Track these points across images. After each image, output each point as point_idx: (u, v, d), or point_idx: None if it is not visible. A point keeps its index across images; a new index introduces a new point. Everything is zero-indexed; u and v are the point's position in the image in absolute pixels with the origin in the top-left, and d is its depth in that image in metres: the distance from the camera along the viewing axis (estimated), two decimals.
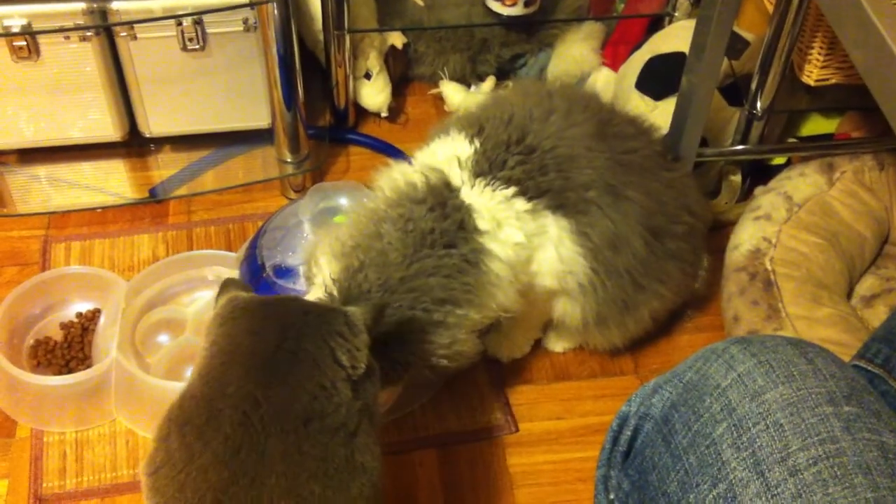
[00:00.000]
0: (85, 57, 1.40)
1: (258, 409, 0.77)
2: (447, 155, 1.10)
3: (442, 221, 1.05)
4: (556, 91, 1.20)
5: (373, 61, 1.60)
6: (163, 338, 1.31)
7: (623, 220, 1.13)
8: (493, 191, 1.08)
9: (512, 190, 1.08)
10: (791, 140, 1.53)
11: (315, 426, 0.78)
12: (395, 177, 1.10)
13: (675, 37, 1.51)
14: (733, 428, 0.69)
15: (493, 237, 1.07)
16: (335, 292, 1.02)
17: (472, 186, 1.08)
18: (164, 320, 1.32)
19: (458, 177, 1.08)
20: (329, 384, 0.79)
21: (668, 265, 1.22)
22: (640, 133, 1.24)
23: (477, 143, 1.10)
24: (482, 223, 1.07)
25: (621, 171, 1.14)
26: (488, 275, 1.07)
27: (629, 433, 0.80)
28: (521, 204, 1.09)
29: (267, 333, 0.80)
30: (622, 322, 1.23)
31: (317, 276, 1.06)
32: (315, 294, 1.04)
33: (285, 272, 1.24)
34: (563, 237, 1.11)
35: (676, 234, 1.21)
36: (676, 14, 1.62)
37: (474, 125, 1.13)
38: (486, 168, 1.09)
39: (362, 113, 1.66)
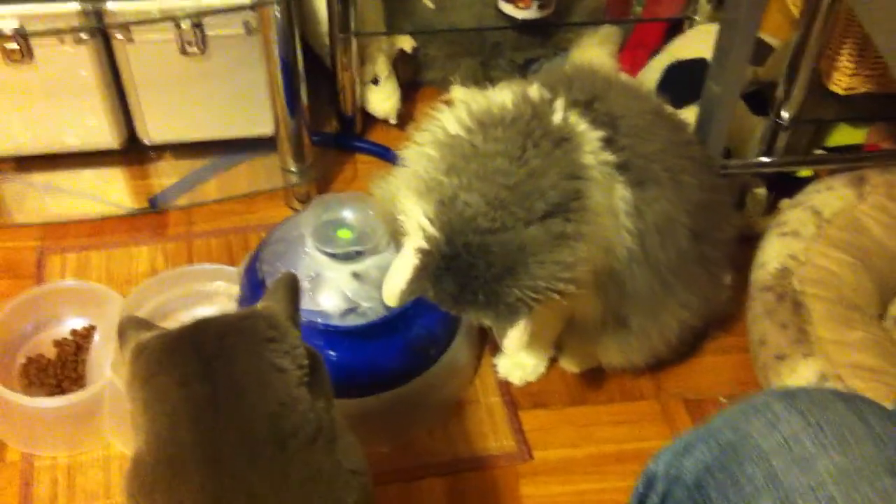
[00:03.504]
0: (80, 60, 1.35)
1: (224, 456, 0.70)
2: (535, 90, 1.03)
3: (546, 125, 0.98)
4: (606, 72, 1.14)
5: (381, 66, 1.55)
6: None
7: (677, 205, 1.07)
8: (590, 126, 1.01)
9: (602, 133, 1.01)
10: (818, 151, 1.47)
11: (292, 445, 0.72)
12: (473, 105, 1.01)
13: (696, 41, 1.46)
14: (779, 502, 0.61)
15: (595, 165, 0.99)
16: (437, 232, 0.94)
17: (570, 115, 1.01)
18: None
19: (558, 103, 1.01)
20: (286, 397, 0.73)
21: (700, 272, 1.16)
22: (688, 127, 1.20)
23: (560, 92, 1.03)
24: (586, 144, 0.99)
25: (679, 154, 1.09)
26: (592, 198, 0.98)
27: (656, 499, 0.72)
28: (607, 154, 1.02)
29: (195, 379, 0.73)
30: (644, 328, 1.15)
31: (407, 223, 0.98)
32: (413, 244, 0.96)
33: None
34: (621, 209, 1.04)
35: (714, 241, 1.16)
36: (697, 17, 1.57)
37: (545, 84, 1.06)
38: (580, 108, 1.02)
39: (370, 119, 1.61)
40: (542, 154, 0.96)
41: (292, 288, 0.81)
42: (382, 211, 1.09)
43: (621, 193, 1.04)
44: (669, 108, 1.20)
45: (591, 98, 1.05)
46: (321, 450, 0.74)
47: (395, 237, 1.03)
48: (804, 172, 1.47)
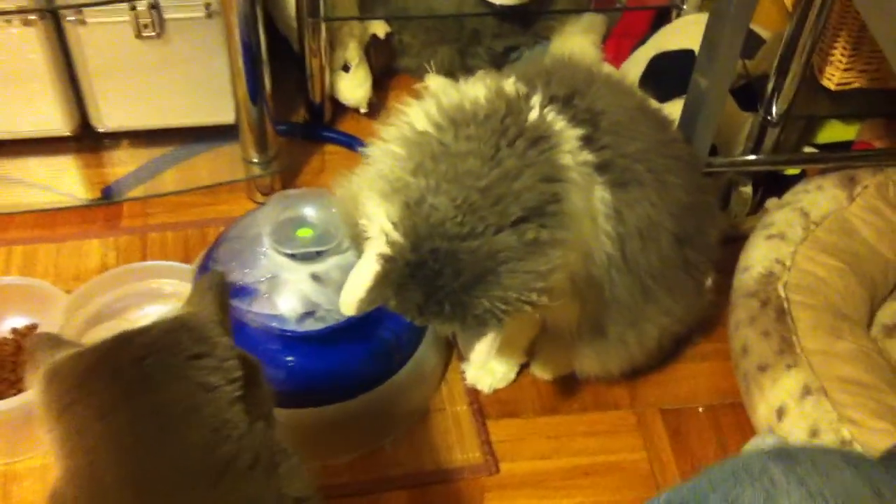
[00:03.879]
0: (28, 43, 1.29)
1: (151, 495, 0.65)
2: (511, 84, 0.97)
3: (521, 123, 0.92)
4: (587, 64, 1.09)
5: (352, 52, 1.49)
6: None
7: (661, 208, 1.02)
8: (568, 124, 0.95)
9: (581, 131, 0.96)
10: (808, 149, 1.41)
11: (227, 478, 0.67)
12: (443, 99, 0.95)
13: (684, 32, 1.40)
14: None
15: (574, 166, 0.94)
16: (401, 237, 0.88)
17: (547, 112, 0.95)
18: None
19: (535, 99, 0.96)
20: (218, 422, 0.67)
21: (683, 278, 1.11)
22: (672, 124, 1.14)
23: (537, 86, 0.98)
24: (564, 143, 0.94)
25: (664, 153, 1.04)
26: (570, 201, 0.93)
27: None
28: (586, 154, 0.96)
29: (115, 410, 0.67)
30: (622, 336, 1.10)
31: (369, 227, 0.92)
32: (375, 249, 0.90)
33: (240, 291, 1.11)
34: (600, 211, 0.99)
35: (699, 244, 1.10)
36: (685, 6, 1.51)
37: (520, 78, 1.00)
38: (558, 105, 0.97)
39: (340, 108, 1.55)
40: (517, 154, 0.91)
41: (220, 289, 0.75)
42: (344, 213, 1.03)
43: (601, 195, 0.98)
44: (654, 104, 1.14)
45: (571, 93, 1.00)
46: (260, 479, 0.69)
47: (357, 241, 0.96)
48: (792, 170, 1.41)
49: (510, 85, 0.97)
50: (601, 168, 0.98)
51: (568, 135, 0.95)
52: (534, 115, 0.94)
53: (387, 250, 0.89)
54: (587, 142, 0.97)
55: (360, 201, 0.95)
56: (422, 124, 0.95)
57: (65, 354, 0.70)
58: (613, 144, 0.99)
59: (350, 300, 0.93)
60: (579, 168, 0.95)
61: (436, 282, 0.89)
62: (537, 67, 1.05)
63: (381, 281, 0.91)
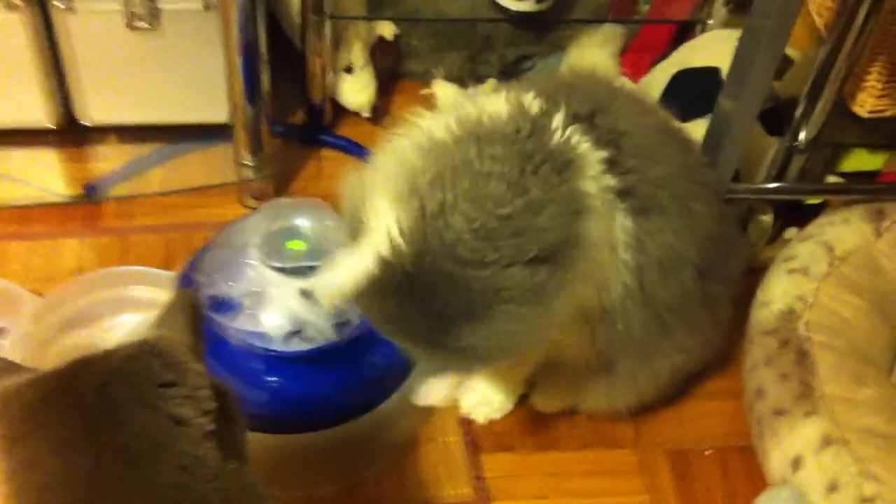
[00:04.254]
0: (12, 29, 1.23)
1: None
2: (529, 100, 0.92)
3: (546, 146, 0.86)
4: (609, 80, 1.03)
5: (356, 53, 1.43)
6: None
7: (685, 238, 0.96)
8: (592, 147, 0.89)
9: (604, 154, 0.90)
10: (831, 177, 1.34)
11: None
12: (463, 111, 0.90)
13: (709, 48, 1.33)
14: None
15: (596, 193, 0.88)
16: (405, 245, 0.81)
17: (570, 133, 0.89)
18: (80, 347, 1.08)
19: (557, 118, 0.89)
20: (189, 459, 0.62)
21: (701, 314, 1.05)
22: (697, 147, 1.08)
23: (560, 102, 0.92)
24: (588, 168, 0.88)
25: (689, 178, 0.98)
26: (588, 238, 0.87)
27: None
28: (609, 178, 0.90)
29: (74, 446, 0.61)
30: (633, 374, 1.05)
31: (373, 224, 0.86)
32: (374, 247, 0.83)
33: (223, 305, 1.04)
34: (620, 240, 0.92)
35: (720, 277, 1.04)
36: (710, 21, 1.44)
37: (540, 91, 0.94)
38: (581, 124, 0.91)
39: (341, 111, 1.48)
40: (542, 183, 0.85)
41: (193, 310, 0.70)
42: (350, 201, 0.94)
43: (622, 223, 0.92)
44: (677, 124, 1.07)
45: (593, 111, 0.93)
46: None
47: (354, 234, 0.89)
48: (813, 199, 1.35)
49: (530, 100, 0.90)
50: (623, 193, 0.92)
51: (591, 158, 0.89)
52: (557, 136, 0.88)
53: (386, 254, 0.83)
54: (610, 165, 0.91)
55: (369, 198, 0.88)
56: (440, 134, 0.89)
57: (17, 380, 0.64)
58: (637, 168, 0.93)
59: (331, 293, 0.87)
60: (602, 195, 0.90)
61: (425, 302, 0.83)
62: (557, 81, 1.00)
63: (370, 284, 0.84)
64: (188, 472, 0.61)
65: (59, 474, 0.60)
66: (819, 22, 1.35)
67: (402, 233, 0.82)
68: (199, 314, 0.71)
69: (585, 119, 0.92)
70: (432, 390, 0.88)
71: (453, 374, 0.87)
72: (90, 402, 0.62)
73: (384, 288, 0.84)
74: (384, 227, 0.84)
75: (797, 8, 1.03)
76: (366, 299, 0.86)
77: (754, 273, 1.23)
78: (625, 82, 1.42)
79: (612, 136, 0.93)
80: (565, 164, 0.87)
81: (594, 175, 0.89)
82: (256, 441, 1.02)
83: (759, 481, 1.10)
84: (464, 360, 0.85)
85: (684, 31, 1.50)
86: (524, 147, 0.85)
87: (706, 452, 1.15)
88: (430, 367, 0.87)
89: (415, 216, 0.83)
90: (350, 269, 0.85)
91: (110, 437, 0.61)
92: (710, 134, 1.15)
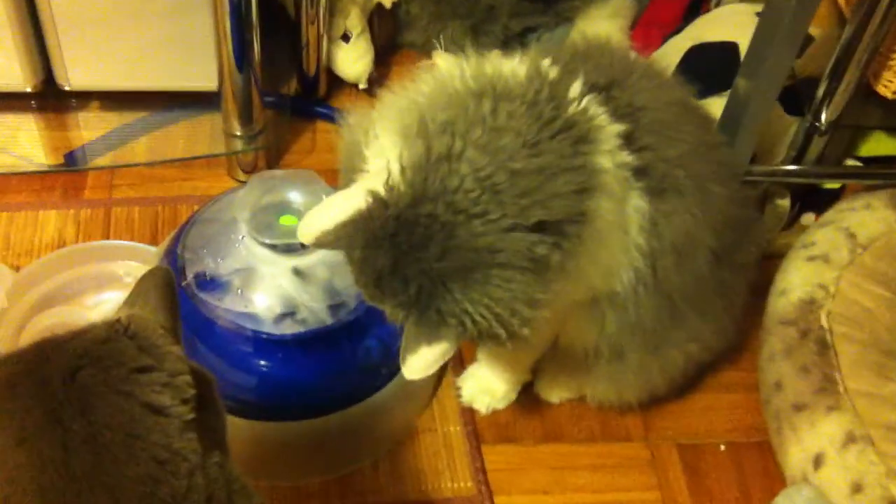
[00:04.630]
0: None
1: None
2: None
3: (564, 114, 0.81)
4: (624, 51, 1.00)
5: (353, 21, 1.39)
6: None
7: (702, 221, 0.91)
8: (609, 119, 0.84)
9: (622, 127, 0.84)
10: (850, 161, 1.29)
11: None
12: (478, 67, 0.84)
13: (726, 22, 1.29)
14: None
15: (611, 169, 0.83)
16: (404, 184, 0.76)
17: (587, 103, 0.84)
18: (60, 324, 1.04)
19: (575, 86, 0.84)
20: (166, 452, 0.57)
21: (716, 300, 1.00)
22: (716, 125, 1.04)
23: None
24: (604, 141, 0.83)
25: (707, 158, 0.93)
26: (597, 219, 0.82)
27: None
28: (626, 155, 0.85)
29: (39, 435, 0.56)
30: (644, 363, 1.00)
31: (372, 160, 0.82)
32: (368, 185, 0.78)
33: (210, 284, 0.98)
34: (633, 222, 0.87)
35: (737, 264, 0.99)
36: None
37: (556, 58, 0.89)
38: (599, 95, 0.85)
39: (336, 82, 1.45)
40: (557, 150, 0.80)
41: (167, 289, 0.65)
42: (350, 142, 0.89)
43: (636, 203, 0.87)
44: (694, 100, 1.01)
45: (610, 82, 0.88)
46: None
47: (351, 177, 0.84)
48: (831, 184, 1.29)
49: (547, 66, 0.85)
50: (639, 172, 0.86)
51: (608, 131, 0.84)
52: (574, 106, 0.83)
53: (381, 191, 0.77)
54: (627, 141, 0.85)
55: (372, 132, 0.83)
56: (456, 82, 0.83)
57: None
58: (654, 146, 0.88)
59: (313, 227, 0.80)
60: (616, 171, 0.84)
61: (416, 252, 0.77)
62: (571, 49, 0.93)
63: (359, 222, 0.78)
64: (166, 466, 0.57)
65: (25, 467, 0.55)
66: (843, 1, 1.30)
67: (402, 171, 0.77)
68: (174, 293, 0.66)
69: (602, 90, 0.87)
70: (421, 362, 0.81)
71: (443, 346, 0.81)
72: (58, 388, 0.57)
73: (375, 233, 0.78)
74: (384, 164, 0.79)
75: None
76: (350, 245, 0.80)
77: (769, 260, 1.18)
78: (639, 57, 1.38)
79: (630, 110, 0.88)
80: (581, 135, 0.82)
81: (610, 149, 0.84)
82: (243, 428, 0.98)
83: (775, 479, 1.06)
84: (454, 328, 0.79)
85: (696, 6, 1.46)
86: (542, 110, 0.80)
87: (720, 447, 1.10)
88: (418, 337, 0.81)
89: (419, 156, 0.78)
90: (340, 205, 0.79)
91: (80, 427, 0.56)
92: (728, 113, 1.10)
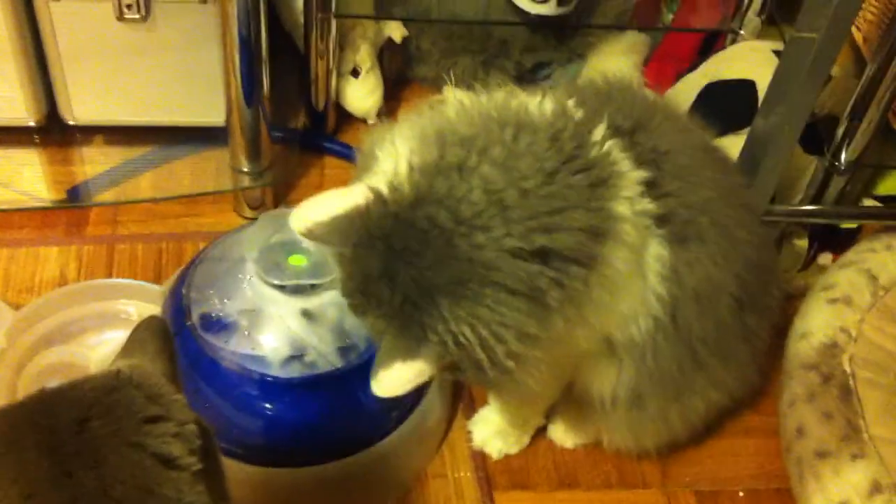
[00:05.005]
0: None
1: None
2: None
3: (586, 156, 0.80)
4: (646, 92, 0.98)
5: (363, 55, 1.38)
6: None
7: (725, 268, 0.88)
8: (632, 165, 0.82)
9: (644, 174, 0.82)
10: (867, 200, 1.27)
11: None
12: (502, 99, 0.83)
13: (742, 60, 1.28)
14: None
15: (630, 217, 0.80)
16: (407, 184, 0.75)
17: (610, 147, 0.82)
18: (60, 364, 1.06)
19: (599, 129, 0.82)
20: None
21: (739, 347, 0.97)
22: (736, 167, 1.02)
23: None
24: (624, 188, 0.80)
25: (731, 202, 0.91)
26: (609, 268, 0.79)
27: None
28: (647, 202, 0.82)
29: (47, 487, 0.53)
30: (664, 411, 0.97)
31: (382, 159, 0.80)
32: (371, 181, 0.77)
33: (216, 324, 0.95)
34: (653, 270, 0.85)
35: (758, 309, 0.96)
36: (742, 32, 1.38)
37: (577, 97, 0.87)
38: (622, 139, 0.84)
39: (345, 117, 1.43)
40: (574, 188, 0.78)
41: (163, 336, 0.65)
42: (367, 147, 0.87)
43: (657, 251, 0.84)
44: (713, 142, 0.99)
45: (634, 126, 0.86)
46: None
47: (360, 177, 0.82)
48: (848, 224, 1.28)
49: (573, 106, 0.83)
50: (661, 220, 0.84)
51: (630, 178, 0.82)
52: (597, 149, 0.81)
53: (384, 189, 0.76)
54: (649, 187, 0.83)
55: (389, 138, 0.81)
56: (482, 109, 0.82)
57: None
58: (677, 192, 0.86)
59: (307, 217, 0.78)
60: (636, 219, 0.82)
61: (409, 257, 0.74)
62: (593, 90, 0.91)
63: (355, 218, 0.76)
64: None
65: None
66: (858, 36, 1.29)
67: (410, 172, 0.76)
68: (172, 341, 0.64)
69: (626, 134, 0.85)
70: (394, 379, 0.78)
71: (419, 365, 0.77)
72: (67, 439, 0.55)
73: (369, 231, 0.75)
74: (391, 163, 0.78)
75: (850, 21, 0.96)
76: (342, 241, 0.78)
77: (786, 301, 1.15)
78: (654, 94, 1.36)
79: (653, 156, 0.86)
80: (601, 179, 0.80)
81: (630, 196, 0.82)
82: (249, 474, 0.95)
83: None
84: (435, 346, 0.76)
85: (710, 42, 1.45)
86: (564, 146, 0.79)
87: (739, 494, 1.07)
88: (396, 351, 0.78)
89: (430, 160, 0.76)
90: (339, 199, 0.78)
91: (89, 482, 0.54)
92: (747, 153, 1.08)
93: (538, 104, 0.82)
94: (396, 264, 0.75)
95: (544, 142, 0.78)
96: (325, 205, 0.77)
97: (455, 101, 0.83)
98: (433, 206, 0.74)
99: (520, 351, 0.76)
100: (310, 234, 0.78)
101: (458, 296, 0.74)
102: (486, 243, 0.74)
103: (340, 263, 0.79)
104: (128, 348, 0.63)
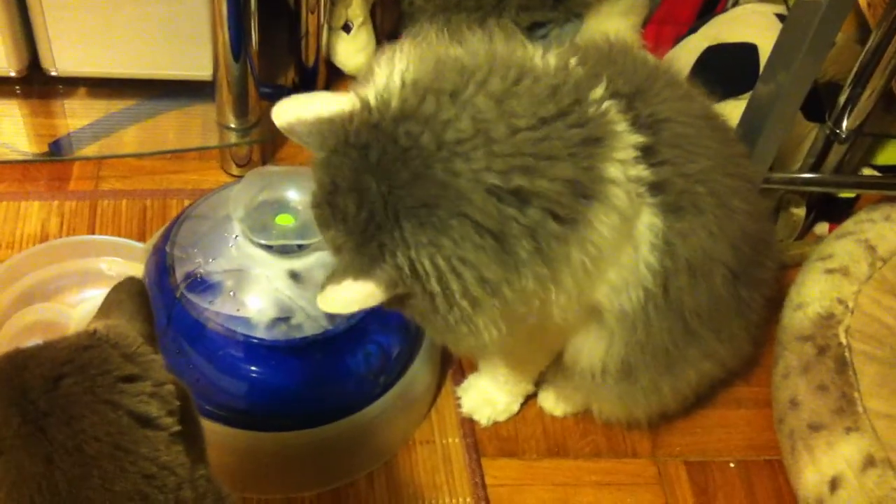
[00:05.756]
0: None
1: None
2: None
3: (583, 111, 0.77)
4: (647, 57, 0.93)
5: (355, 10, 1.35)
6: None
7: (720, 239, 0.86)
8: (629, 128, 0.79)
9: (641, 139, 0.79)
10: (866, 170, 1.25)
11: None
12: (508, 47, 0.80)
13: (745, 23, 1.25)
14: None
15: (622, 182, 0.78)
16: (394, 100, 0.73)
17: (608, 107, 0.79)
18: (40, 322, 1.05)
19: (598, 89, 0.79)
20: (154, 467, 0.55)
21: (732, 319, 0.95)
22: (736, 136, 0.99)
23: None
24: (618, 150, 0.78)
25: (729, 172, 0.89)
26: (593, 232, 0.77)
27: None
28: (642, 169, 0.80)
29: (19, 447, 0.52)
30: (655, 382, 0.95)
31: (377, 71, 0.78)
32: (361, 90, 0.75)
33: (200, 284, 0.93)
34: (645, 239, 0.83)
35: (753, 281, 0.94)
36: None
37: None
38: (621, 102, 0.81)
39: (335, 73, 1.41)
40: (566, 139, 0.75)
41: (141, 297, 0.63)
42: (369, 64, 0.85)
43: (649, 221, 0.82)
44: (715, 109, 0.96)
45: (634, 91, 0.83)
46: None
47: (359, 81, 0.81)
48: (846, 193, 1.26)
49: (574, 64, 0.81)
50: (655, 187, 0.82)
51: (626, 140, 0.79)
52: (594, 108, 0.78)
53: (372, 100, 0.74)
54: (645, 153, 0.81)
55: (389, 53, 0.79)
56: (488, 47, 0.79)
57: None
58: (674, 160, 0.83)
59: (290, 112, 0.77)
60: (628, 185, 0.79)
61: (381, 171, 0.73)
62: (594, 51, 0.88)
63: (336, 123, 0.74)
64: (154, 481, 0.54)
65: (4, 481, 0.52)
66: (863, 1, 1.26)
67: (402, 86, 0.74)
68: (149, 302, 0.63)
69: (625, 98, 0.83)
70: (340, 296, 0.75)
71: (370, 287, 0.75)
72: (38, 396, 0.53)
73: (347, 137, 0.74)
74: (384, 76, 0.76)
75: None
76: (321, 144, 0.76)
77: (781, 270, 1.14)
78: (655, 58, 1.33)
79: (651, 121, 0.83)
80: (595, 136, 0.77)
81: (622, 160, 0.79)
82: (233, 438, 0.93)
83: (788, 499, 1.03)
84: (389, 271, 0.74)
85: (710, 5, 1.41)
86: (563, 100, 0.76)
87: (730, 465, 1.07)
88: (349, 268, 0.75)
89: (425, 79, 0.74)
90: (326, 101, 0.76)
91: (63, 438, 0.53)
92: (747, 119, 1.06)
93: (542, 57, 0.80)
94: (367, 176, 0.73)
95: (544, 90, 0.76)
96: (311, 104, 0.76)
97: (463, 37, 0.81)
98: (417, 123, 0.72)
99: (477, 294, 0.74)
100: (289, 130, 0.77)
101: (424, 221, 0.72)
102: (464, 172, 0.72)
103: (313, 167, 0.77)
104: (104, 309, 0.62)
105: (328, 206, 0.75)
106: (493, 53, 0.78)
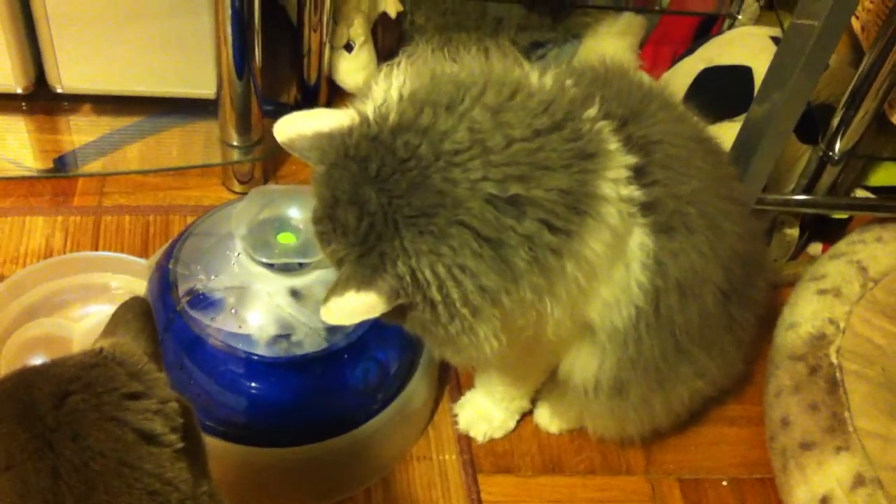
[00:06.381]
0: None
1: None
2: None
3: (577, 128, 0.78)
4: (642, 79, 0.94)
5: (357, 29, 1.35)
6: (39, 361, 1.01)
7: (711, 259, 0.87)
8: (621, 148, 0.80)
9: (633, 159, 0.81)
10: (859, 191, 1.26)
11: None
12: (510, 67, 0.81)
13: (739, 46, 1.26)
14: None
15: (614, 200, 0.78)
16: (392, 113, 0.74)
17: (601, 127, 0.80)
18: (44, 337, 1.05)
19: (592, 110, 0.80)
20: (158, 483, 0.55)
21: (724, 338, 0.96)
22: (727, 157, 1.00)
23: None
24: (610, 169, 0.78)
25: (720, 194, 0.90)
26: (585, 248, 0.78)
27: None
28: (634, 189, 0.81)
29: (26, 463, 0.53)
30: (646, 399, 0.96)
31: (375, 88, 0.79)
32: (360, 106, 0.77)
33: (202, 301, 0.94)
34: (636, 258, 0.84)
35: (745, 301, 0.95)
36: (740, 17, 1.36)
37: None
38: (613, 123, 0.82)
39: (337, 91, 1.41)
40: (560, 152, 0.76)
41: (146, 316, 0.64)
42: (366, 83, 0.88)
43: (640, 240, 0.83)
44: (708, 131, 0.98)
45: (627, 115, 0.84)
46: None
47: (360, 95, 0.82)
48: (840, 214, 1.27)
49: (570, 84, 0.82)
50: (646, 208, 0.83)
51: (618, 160, 0.80)
52: (588, 126, 0.79)
53: (369, 112, 0.75)
54: (637, 174, 0.82)
55: (387, 70, 0.80)
56: (484, 65, 0.81)
57: None
58: (665, 181, 0.84)
59: (291, 127, 0.78)
60: (619, 203, 0.80)
61: (380, 182, 0.73)
62: (589, 73, 0.89)
63: (336, 137, 0.75)
64: (157, 497, 0.54)
65: (8, 495, 0.53)
66: (856, 24, 1.27)
67: (399, 99, 0.75)
68: (154, 321, 0.64)
69: (618, 119, 0.84)
70: (343, 307, 0.76)
71: (372, 297, 0.75)
72: (46, 412, 0.54)
73: (347, 151, 0.75)
74: (382, 90, 0.77)
75: (851, 10, 0.95)
76: (320, 156, 0.77)
77: (775, 290, 1.16)
78: (651, 80, 1.35)
79: (643, 143, 0.85)
80: (588, 152, 0.78)
81: (615, 179, 0.80)
82: (233, 453, 0.94)
83: None
84: (391, 280, 0.75)
85: (706, 26, 1.43)
86: (556, 114, 0.77)
87: (722, 483, 1.07)
88: (351, 279, 0.76)
89: (422, 93, 0.75)
90: (326, 116, 0.77)
91: (69, 454, 0.53)
92: (741, 140, 1.08)
93: (538, 76, 0.81)
94: (367, 188, 0.73)
95: (538, 105, 0.77)
96: (312, 120, 0.77)
97: (459, 55, 0.82)
98: (415, 134, 0.73)
99: (477, 303, 0.75)
100: (290, 145, 0.78)
101: (423, 230, 0.73)
102: (462, 181, 0.73)
103: (313, 182, 0.78)
104: (110, 328, 0.63)
105: (329, 221, 0.76)
106: (488, 70, 0.79)
